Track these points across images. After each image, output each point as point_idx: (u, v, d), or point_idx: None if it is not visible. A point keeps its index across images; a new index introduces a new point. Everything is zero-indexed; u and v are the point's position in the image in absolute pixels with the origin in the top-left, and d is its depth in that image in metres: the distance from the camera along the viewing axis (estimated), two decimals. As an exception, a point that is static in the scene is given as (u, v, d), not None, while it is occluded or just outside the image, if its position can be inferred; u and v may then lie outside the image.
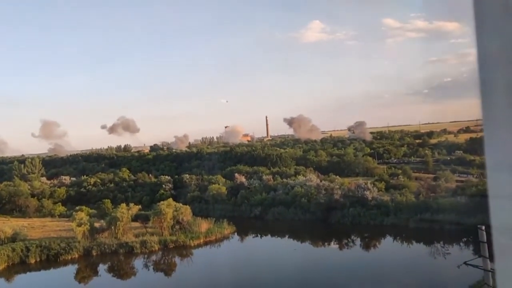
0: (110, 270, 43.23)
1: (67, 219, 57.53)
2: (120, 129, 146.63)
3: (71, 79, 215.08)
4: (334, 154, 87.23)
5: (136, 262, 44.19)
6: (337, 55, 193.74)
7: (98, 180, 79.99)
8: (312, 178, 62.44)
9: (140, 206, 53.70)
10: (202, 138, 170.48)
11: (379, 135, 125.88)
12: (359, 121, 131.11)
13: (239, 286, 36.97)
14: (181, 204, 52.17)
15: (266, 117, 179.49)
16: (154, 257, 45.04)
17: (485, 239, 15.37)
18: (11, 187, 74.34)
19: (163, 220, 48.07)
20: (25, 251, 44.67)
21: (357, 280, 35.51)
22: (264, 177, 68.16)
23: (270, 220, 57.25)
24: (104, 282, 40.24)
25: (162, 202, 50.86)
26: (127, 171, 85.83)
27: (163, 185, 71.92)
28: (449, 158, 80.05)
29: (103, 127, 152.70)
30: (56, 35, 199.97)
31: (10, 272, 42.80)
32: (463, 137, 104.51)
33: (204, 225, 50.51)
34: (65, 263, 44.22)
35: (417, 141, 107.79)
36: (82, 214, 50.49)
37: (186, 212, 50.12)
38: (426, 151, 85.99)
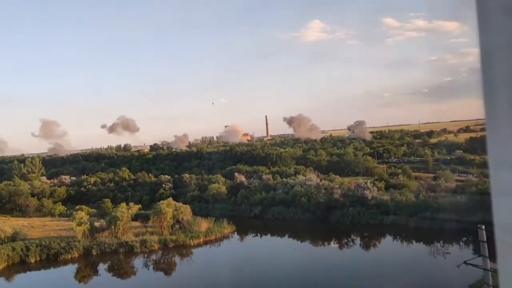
0: (110, 269, 43.23)
1: (67, 218, 57.56)
2: (120, 129, 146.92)
3: (71, 79, 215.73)
4: (334, 154, 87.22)
5: (136, 262, 44.20)
6: (337, 54, 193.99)
7: (98, 180, 80.00)
8: (312, 178, 62.45)
9: (140, 206, 53.73)
10: (202, 138, 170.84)
11: (379, 135, 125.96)
12: (359, 120, 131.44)
13: (239, 286, 36.97)
14: (181, 204, 52.18)
15: (266, 117, 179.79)
16: (154, 257, 45.04)
17: (485, 238, 15.37)
18: (11, 187, 74.34)
19: (163, 220, 48.09)
20: (25, 250, 44.66)
21: (357, 280, 35.49)
22: (264, 176, 68.17)
23: (270, 219, 57.26)
24: (104, 281, 40.23)
25: (162, 201, 50.86)
26: (127, 170, 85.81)
27: (163, 185, 71.94)
28: (449, 158, 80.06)
29: (103, 126, 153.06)
30: (56, 35, 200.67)
31: (10, 271, 42.81)
32: (463, 137, 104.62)
33: (204, 224, 50.53)
34: (65, 262, 44.23)
35: (417, 140, 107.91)
36: (82, 213, 50.48)
37: (186, 211, 50.14)
38: (426, 151, 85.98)
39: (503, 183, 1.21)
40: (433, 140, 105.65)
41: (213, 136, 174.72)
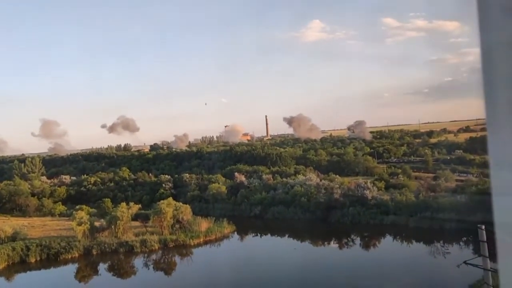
0: (110, 269, 43.23)
1: (67, 218, 57.57)
2: (120, 129, 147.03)
3: (71, 79, 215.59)
4: (334, 154, 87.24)
5: (136, 261, 44.21)
6: (337, 54, 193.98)
7: (98, 179, 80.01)
8: (312, 178, 62.45)
9: (140, 205, 53.71)
10: (202, 137, 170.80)
11: (379, 135, 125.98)
12: (359, 120, 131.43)
13: (239, 285, 36.96)
14: (181, 203, 52.18)
15: (266, 117, 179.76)
16: (154, 256, 45.05)
17: (485, 238, 15.38)
18: (11, 186, 74.36)
19: (163, 219, 48.09)
20: (25, 250, 44.65)
21: (357, 280, 35.48)
22: (264, 176, 68.18)
23: (270, 219, 57.26)
24: (104, 281, 40.23)
25: (162, 201, 50.86)
26: (127, 170, 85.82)
27: (163, 184, 71.95)
28: (449, 158, 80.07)
29: (103, 126, 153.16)
30: (56, 35, 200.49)
31: (10, 271, 42.81)
32: (463, 137, 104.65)
33: (204, 224, 50.53)
34: (65, 262, 44.22)
35: (417, 140, 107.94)
36: (82, 213, 50.49)
37: (186, 211, 50.14)
38: (426, 151, 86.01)
39: (503, 183, 1.21)
40: (433, 140, 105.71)
41: (213, 136, 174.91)
